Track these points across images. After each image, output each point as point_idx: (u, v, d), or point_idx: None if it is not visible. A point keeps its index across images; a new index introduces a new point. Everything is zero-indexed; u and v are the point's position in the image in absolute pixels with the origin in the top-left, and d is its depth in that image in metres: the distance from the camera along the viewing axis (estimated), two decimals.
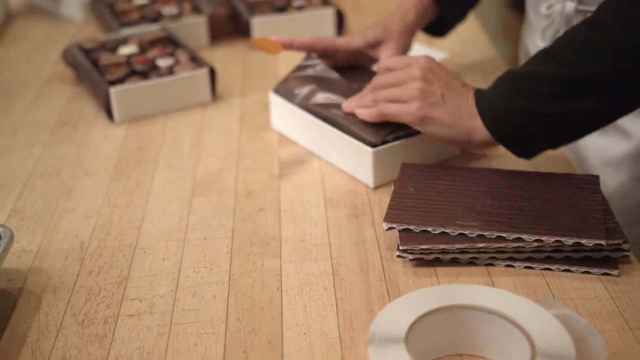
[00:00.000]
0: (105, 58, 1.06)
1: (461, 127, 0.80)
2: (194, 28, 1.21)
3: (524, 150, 0.80)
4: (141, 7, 1.26)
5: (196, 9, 1.26)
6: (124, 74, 1.03)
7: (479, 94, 0.80)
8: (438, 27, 1.03)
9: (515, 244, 0.71)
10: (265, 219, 0.81)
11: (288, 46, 0.96)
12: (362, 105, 0.86)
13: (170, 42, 1.13)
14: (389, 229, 0.74)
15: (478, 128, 0.79)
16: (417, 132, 0.84)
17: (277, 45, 0.96)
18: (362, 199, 0.83)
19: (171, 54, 1.09)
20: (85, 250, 0.77)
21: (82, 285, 0.72)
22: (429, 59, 0.84)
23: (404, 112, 0.81)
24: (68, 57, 1.11)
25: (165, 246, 0.77)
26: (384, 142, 0.84)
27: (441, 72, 0.83)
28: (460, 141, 0.81)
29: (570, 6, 0.90)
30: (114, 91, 0.99)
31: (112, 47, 1.11)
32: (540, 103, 0.75)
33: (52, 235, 0.79)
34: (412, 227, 0.73)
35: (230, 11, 1.27)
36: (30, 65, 1.20)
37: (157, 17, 1.22)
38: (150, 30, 1.16)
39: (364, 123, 0.86)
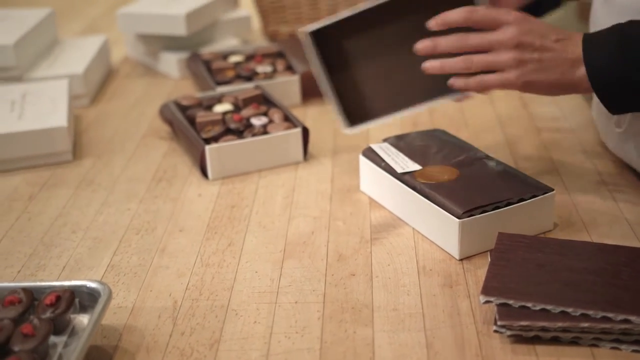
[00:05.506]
0: (201, 115, 1.09)
1: (564, 84, 0.81)
2: (287, 86, 1.23)
3: (618, 109, 0.82)
4: (236, 65, 1.29)
5: (289, 68, 1.28)
6: (220, 132, 1.05)
7: (587, 47, 0.80)
8: (535, 8, 1.03)
9: (622, 326, 0.67)
10: (357, 284, 0.80)
11: None
12: (452, 68, 0.84)
13: (264, 101, 1.15)
14: (486, 302, 0.71)
15: (582, 78, 0.80)
16: (507, 204, 0.82)
17: None
18: (456, 267, 0.81)
19: (265, 113, 1.10)
20: (179, 310, 0.77)
21: (175, 345, 0.72)
22: (519, 18, 0.83)
23: (503, 81, 0.82)
24: (165, 114, 1.14)
25: (257, 309, 0.77)
26: (471, 213, 0.82)
27: (534, 32, 0.82)
28: (563, 93, 0.84)
29: None
30: (209, 149, 1.01)
31: (208, 105, 1.14)
32: None
33: (147, 293, 0.80)
34: (510, 302, 0.70)
35: None
36: (128, 120, 1.24)
37: (251, 76, 1.25)
38: (245, 88, 1.18)
39: (451, 192, 0.84)
